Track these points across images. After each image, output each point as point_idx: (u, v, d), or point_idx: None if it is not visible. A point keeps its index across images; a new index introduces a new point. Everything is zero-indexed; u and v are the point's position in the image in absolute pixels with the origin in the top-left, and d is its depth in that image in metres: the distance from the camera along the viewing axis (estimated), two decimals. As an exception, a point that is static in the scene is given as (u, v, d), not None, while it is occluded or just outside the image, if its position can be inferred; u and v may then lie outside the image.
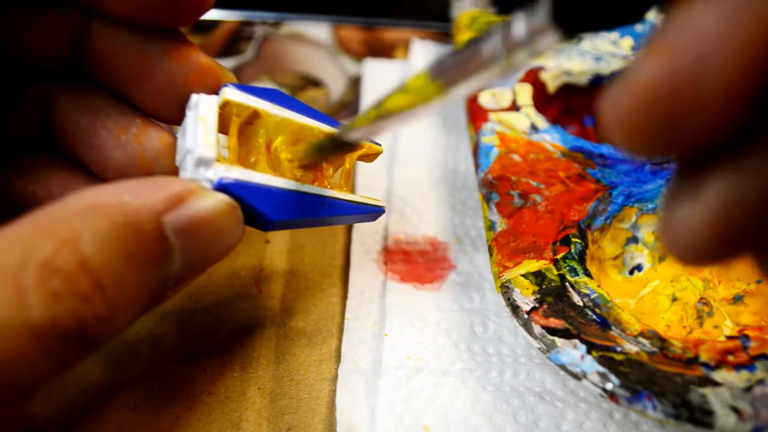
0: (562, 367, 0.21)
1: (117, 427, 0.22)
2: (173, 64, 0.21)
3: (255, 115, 0.22)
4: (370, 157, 0.25)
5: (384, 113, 0.18)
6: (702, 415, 0.19)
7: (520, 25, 0.15)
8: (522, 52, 0.15)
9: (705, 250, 0.13)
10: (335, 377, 0.24)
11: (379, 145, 0.24)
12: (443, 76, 0.16)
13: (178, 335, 0.25)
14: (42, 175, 0.22)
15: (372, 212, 0.24)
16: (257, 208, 0.20)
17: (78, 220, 0.16)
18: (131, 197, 0.17)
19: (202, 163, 0.20)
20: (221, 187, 0.19)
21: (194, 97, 0.21)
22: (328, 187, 0.23)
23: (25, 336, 0.14)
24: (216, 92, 0.21)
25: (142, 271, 0.17)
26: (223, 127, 0.21)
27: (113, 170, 0.22)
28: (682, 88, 0.12)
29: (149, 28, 0.21)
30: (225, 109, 0.21)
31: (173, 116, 0.22)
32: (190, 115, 0.21)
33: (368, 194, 0.24)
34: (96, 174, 0.22)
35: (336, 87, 0.38)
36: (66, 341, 0.15)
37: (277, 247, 0.29)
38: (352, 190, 0.24)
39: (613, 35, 0.34)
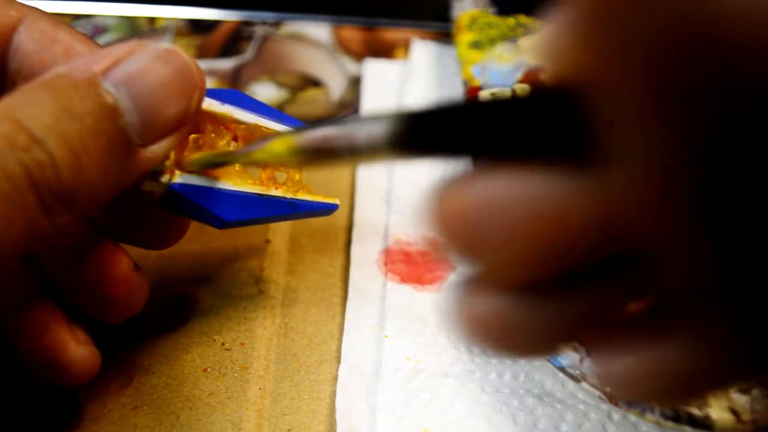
0: (562, 369, 0.21)
1: (117, 427, 0.23)
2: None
3: (212, 118, 0.22)
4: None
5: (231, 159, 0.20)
6: (701, 417, 0.19)
7: (363, 131, 0.14)
8: (366, 158, 0.15)
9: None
10: (335, 378, 0.24)
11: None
12: (302, 151, 0.16)
13: (178, 335, 0.25)
14: None
15: (325, 209, 0.25)
16: (210, 210, 0.21)
17: (18, 94, 0.17)
18: (65, 68, 0.18)
19: (156, 175, 0.21)
20: (174, 191, 0.21)
21: None
22: (281, 186, 0.24)
23: None
24: None
25: (84, 122, 0.17)
26: None
27: None
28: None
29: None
30: None
31: None
32: None
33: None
34: None
35: (336, 87, 0.38)
36: (20, 189, 0.16)
37: (277, 247, 0.29)
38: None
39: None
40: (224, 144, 0.22)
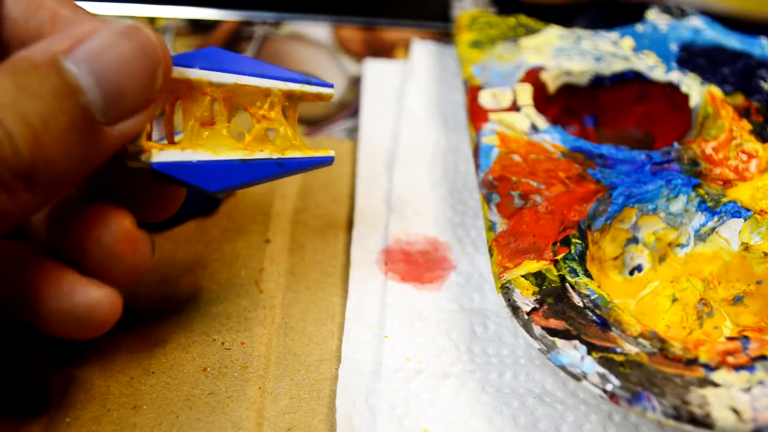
0: (563, 368, 0.21)
1: (117, 427, 0.22)
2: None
3: (188, 85, 0.22)
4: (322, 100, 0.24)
5: None
6: (702, 416, 0.19)
7: None
8: None
9: None
10: (335, 377, 0.24)
11: (331, 86, 0.24)
12: None
13: (178, 335, 0.25)
14: None
15: (319, 163, 0.24)
16: (192, 183, 0.21)
17: None
18: (30, 50, 0.18)
19: (135, 155, 0.21)
20: (155, 171, 0.21)
21: None
22: (277, 143, 0.23)
23: None
24: None
25: (44, 101, 0.17)
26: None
27: None
28: None
29: None
30: None
31: None
32: None
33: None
34: None
35: (336, 87, 0.38)
36: None
37: (277, 247, 0.29)
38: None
39: (614, 35, 0.34)
40: (203, 109, 0.22)
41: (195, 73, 0.22)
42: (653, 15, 0.36)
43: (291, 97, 0.23)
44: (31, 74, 0.18)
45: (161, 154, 0.21)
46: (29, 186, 0.17)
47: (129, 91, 0.19)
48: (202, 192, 0.22)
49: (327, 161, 0.24)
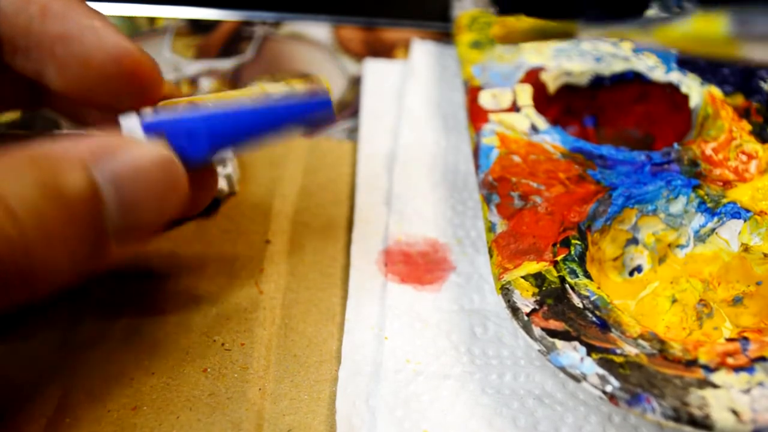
0: (562, 369, 0.21)
1: (117, 427, 0.22)
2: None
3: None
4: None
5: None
6: (701, 417, 0.19)
7: None
8: None
9: None
10: (335, 378, 0.24)
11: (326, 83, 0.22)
12: (744, 30, 0.14)
13: (178, 336, 0.25)
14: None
15: (316, 108, 0.21)
16: (190, 147, 0.20)
17: (3, 166, 0.17)
18: (59, 148, 0.18)
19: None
20: (147, 127, 0.20)
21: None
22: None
23: None
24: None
25: (67, 211, 0.17)
26: None
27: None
28: None
29: None
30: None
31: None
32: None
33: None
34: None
35: (336, 87, 0.38)
36: None
37: (277, 248, 0.29)
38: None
39: (614, 36, 0.34)
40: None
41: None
42: (653, 15, 0.36)
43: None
44: (57, 174, 0.17)
45: (160, 112, 0.20)
46: (24, 286, 0.17)
47: (146, 217, 0.19)
48: (194, 160, 0.20)
49: (324, 103, 0.21)
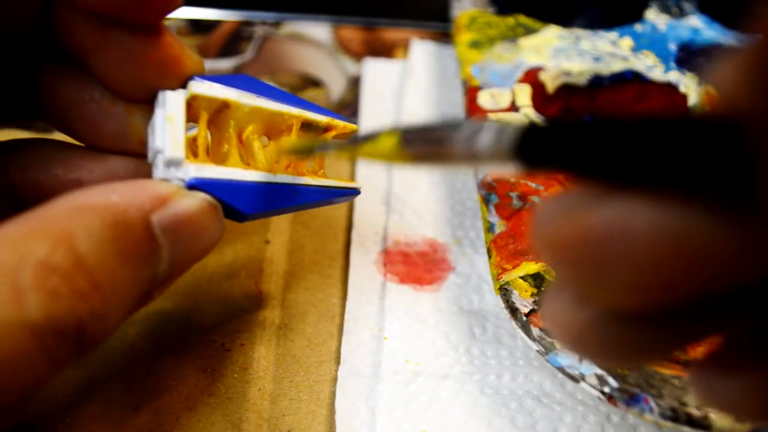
0: (561, 369, 0.21)
1: (117, 427, 0.23)
2: (132, 39, 0.20)
3: (224, 106, 0.22)
4: (345, 136, 0.25)
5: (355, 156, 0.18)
6: (699, 417, 0.19)
7: (486, 137, 0.14)
8: (483, 162, 0.14)
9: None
10: (335, 379, 0.24)
11: (354, 123, 0.25)
12: (411, 148, 0.15)
13: (178, 336, 0.26)
14: (39, 159, 0.22)
15: (348, 195, 0.25)
16: (230, 204, 0.21)
17: (70, 220, 0.16)
18: (119, 198, 0.17)
19: (172, 163, 0.20)
20: (192, 187, 0.20)
21: (161, 95, 0.21)
22: (304, 173, 0.23)
23: (24, 336, 0.14)
24: (181, 78, 0.21)
25: (133, 269, 0.17)
26: (193, 119, 0.22)
27: (106, 142, 0.22)
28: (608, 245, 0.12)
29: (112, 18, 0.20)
30: (193, 103, 0.21)
31: (133, 93, 0.21)
32: (158, 113, 0.21)
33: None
34: (91, 147, 0.22)
35: (336, 87, 0.38)
36: (64, 340, 0.15)
37: (277, 248, 0.29)
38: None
39: (612, 35, 0.34)
40: (236, 129, 0.22)
41: (222, 93, 0.22)
42: (652, 15, 0.36)
43: (316, 129, 0.24)
44: (129, 237, 0.17)
45: (203, 169, 0.20)
46: (74, 350, 0.16)
47: (186, 265, 0.19)
48: (237, 214, 0.21)
49: (354, 193, 0.25)
